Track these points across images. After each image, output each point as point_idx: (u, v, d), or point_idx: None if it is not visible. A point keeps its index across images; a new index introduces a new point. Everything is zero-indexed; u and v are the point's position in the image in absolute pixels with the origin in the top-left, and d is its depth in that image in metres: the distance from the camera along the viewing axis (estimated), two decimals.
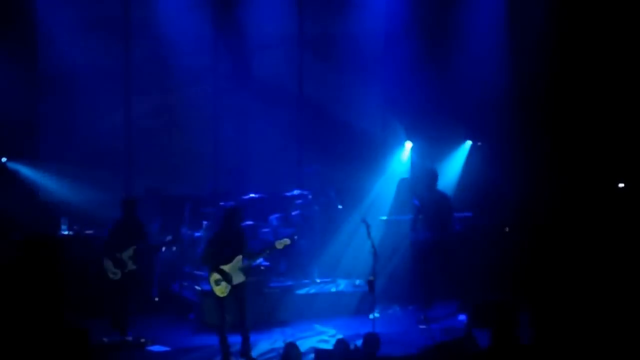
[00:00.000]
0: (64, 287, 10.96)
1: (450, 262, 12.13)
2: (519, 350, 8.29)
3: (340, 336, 10.59)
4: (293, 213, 13.43)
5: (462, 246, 12.55)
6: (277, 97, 14.22)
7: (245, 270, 10.22)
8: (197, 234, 13.52)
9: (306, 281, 12.88)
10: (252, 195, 13.36)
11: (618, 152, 13.32)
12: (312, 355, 9.77)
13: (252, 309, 11.64)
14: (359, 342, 9.60)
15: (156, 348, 10.93)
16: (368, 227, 10.83)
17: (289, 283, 12.45)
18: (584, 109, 13.73)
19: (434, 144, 14.33)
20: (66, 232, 12.78)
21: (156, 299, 12.61)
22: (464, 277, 12.34)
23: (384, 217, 13.45)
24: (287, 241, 10.40)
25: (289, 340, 10.04)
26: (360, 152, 14.12)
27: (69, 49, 13.55)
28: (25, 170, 13.60)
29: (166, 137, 13.92)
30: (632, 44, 13.40)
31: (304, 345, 10.66)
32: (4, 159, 13.44)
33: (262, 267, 12.18)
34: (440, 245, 12.02)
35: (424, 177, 12.31)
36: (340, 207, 13.55)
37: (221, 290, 10.16)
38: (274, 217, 13.40)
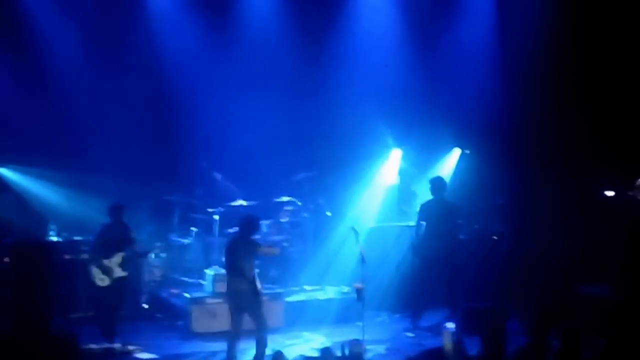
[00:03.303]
0: (52, 293, 10.89)
1: (451, 272, 12.15)
2: (505, 358, 8.32)
3: (328, 344, 10.64)
4: (282, 220, 13.46)
5: (464, 254, 12.60)
6: (267, 103, 14.21)
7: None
8: (186, 241, 13.54)
9: (295, 288, 12.90)
10: (241, 202, 13.37)
11: (609, 158, 13.36)
12: None
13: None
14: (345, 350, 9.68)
15: (144, 355, 10.90)
16: (357, 234, 10.85)
17: (279, 290, 12.44)
18: (573, 117, 13.77)
19: (423, 151, 14.35)
20: (55, 238, 12.75)
21: (145, 306, 12.62)
22: (454, 284, 12.38)
23: (373, 225, 13.48)
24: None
25: (278, 348, 10.09)
26: (349, 159, 14.11)
27: (62, 53, 13.53)
28: (13, 176, 13.57)
29: (156, 142, 13.89)
30: (621, 51, 13.48)
31: (293, 352, 10.70)
32: None
33: None
34: (444, 255, 12.05)
35: (431, 185, 12.32)
36: (329, 214, 13.58)
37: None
38: (263, 224, 13.40)
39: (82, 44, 13.63)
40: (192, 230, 13.54)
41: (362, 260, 10.63)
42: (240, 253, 10.00)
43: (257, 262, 12.53)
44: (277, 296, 12.22)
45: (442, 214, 12.11)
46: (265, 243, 11.07)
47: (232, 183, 13.74)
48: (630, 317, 10.36)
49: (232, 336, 10.10)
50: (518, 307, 11.28)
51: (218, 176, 13.86)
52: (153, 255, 12.55)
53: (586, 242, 12.85)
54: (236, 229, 10.64)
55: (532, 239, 13.53)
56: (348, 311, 12.03)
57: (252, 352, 10.12)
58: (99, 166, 13.29)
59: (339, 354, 9.54)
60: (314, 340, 11.33)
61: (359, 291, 10.57)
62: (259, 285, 10.07)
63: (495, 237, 13.13)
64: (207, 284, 12.17)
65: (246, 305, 10.00)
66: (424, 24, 14.63)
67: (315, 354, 9.92)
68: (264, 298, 10.41)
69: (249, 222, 10.18)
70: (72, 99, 13.52)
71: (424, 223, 12.17)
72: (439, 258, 12.07)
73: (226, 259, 10.24)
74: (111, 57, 13.69)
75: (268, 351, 9.85)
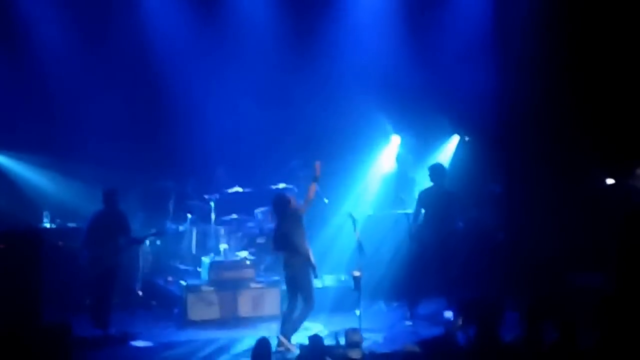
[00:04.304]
0: (45, 281, 10.78)
1: (447, 261, 12.03)
2: (500, 349, 8.23)
3: (325, 332, 10.58)
4: None
5: (462, 243, 12.48)
6: (263, 91, 14.10)
7: None
8: (181, 228, 13.44)
9: None
10: (237, 189, 13.27)
11: (608, 147, 13.29)
12: (298, 352, 9.73)
13: (238, 305, 11.68)
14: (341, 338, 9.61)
15: (139, 343, 10.82)
16: (354, 222, 10.75)
17: (275, 278, 12.34)
18: (572, 104, 13.68)
19: (421, 138, 14.25)
20: (48, 225, 12.64)
21: (140, 294, 12.52)
22: (450, 272, 12.27)
23: (370, 212, 13.37)
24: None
25: (273, 335, 10.02)
26: (346, 146, 14.01)
27: (53, 40, 13.40)
28: (6, 162, 13.45)
29: (150, 128, 13.78)
30: (619, 37, 13.40)
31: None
32: None
33: (247, 262, 12.09)
34: (440, 243, 11.94)
35: (430, 172, 12.19)
36: (326, 201, 13.46)
37: None
38: (259, 211, 13.32)
39: (72, 31, 13.50)
40: (187, 217, 13.42)
41: (360, 248, 10.55)
42: (288, 228, 10.33)
43: (252, 250, 12.62)
44: (273, 284, 12.12)
45: (440, 202, 11.97)
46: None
47: (229, 175, 13.61)
48: (624, 308, 10.27)
49: (287, 312, 10.48)
50: (515, 298, 11.17)
51: (221, 171, 13.75)
52: (147, 242, 12.42)
53: (583, 232, 12.77)
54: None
55: (528, 228, 13.45)
56: (345, 299, 11.96)
57: (248, 341, 10.05)
58: (91, 153, 13.20)
59: (340, 341, 9.53)
60: (311, 329, 11.20)
61: (356, 279, 10.49)
62: (312, 258, 10.36)
63: (494, 226, 13.03)
64: (203, 271, 12.08)
65: (297, 279, 10.34)
66: (420, 9, 14.50)
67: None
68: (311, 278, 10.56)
69: (278, 201, 10.58)
70: (63, 86, 13.40)
71: (422, 210, 12.05)
72: (436, 246, 11.95)
73: (278, 239, 10.50)
74: (102, 45, 13.57)
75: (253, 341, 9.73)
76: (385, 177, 14.12)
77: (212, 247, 12.71)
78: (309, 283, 10.42)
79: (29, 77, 13.29)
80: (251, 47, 14.12)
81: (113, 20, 13.56)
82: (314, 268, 10.44)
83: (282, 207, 10.51)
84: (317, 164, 10.59)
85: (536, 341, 8.15)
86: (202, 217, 13.33)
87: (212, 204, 12.97)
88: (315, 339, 8.87)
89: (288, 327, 10.36)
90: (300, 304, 10.43)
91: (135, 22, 13.69)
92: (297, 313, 10.41)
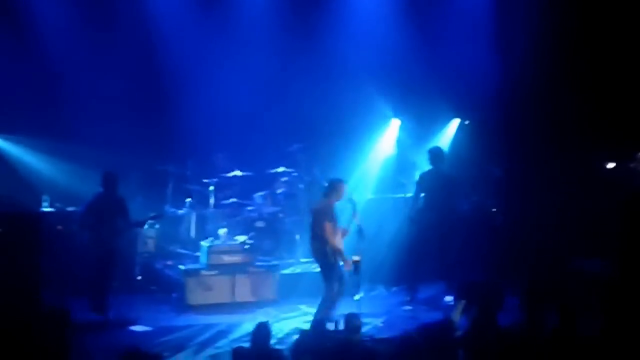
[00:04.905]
0: (44, 265, 10.73)
1: (447, 244, 11.98)
2: (499, 333, 8.21)
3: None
4: (278, 191, 13.32)
5: (462, 227, 12.44)
6: (263, 75, 14.02)
7: None
8: (180, 212, 13.41)
9: (291, 260, 12.77)
10: (236, 172, 13.22)
11: (610, 130, 13.25)
12: (297, 337, 9.71)
13: (236, 289, 11.64)
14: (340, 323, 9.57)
15: (138, 328, 10.79)
16: (354, 206, 10.70)
17: (274, 262, 12.31)
18: (574, 88, 13.63)
19: (421, 122, 14.19)
20: (48, 209, 12.58)
21: (138, 278, 12.50)
22: (450, 257, 12.24)
23: (370, 196, 13.33)
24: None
25: (272, 320, 10.00)
26: (346, 130, 13.96)
27: (54, 22, 13.32)
28: (5, 146, 13.39)
29: (150, 112, 13.72)
30: (624, 20, 13.34)
31: (288, 325, 10.62)
32: None
33: (246, 246, 12.05)
34: (439, 226, 11.88)
35: (429, 155, 12.11)
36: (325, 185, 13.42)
37: None
38: (258, 195, 13.28)
39: (74, 14, 13.43)
40: (186, 201, 13.39)
41: (360, 233, 10.50)
42: (315, 215, 10.46)
43: (251, 234, 12.57)
44: (272, 268, 12.10)
45: (439, 185, 11.91)
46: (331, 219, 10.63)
47: (229, 161, 13.57)
48: (627, 294, 10.24)
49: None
50: (515, 282, 11.15)
51: (220, 157, 13.71)
52: (146, 226, 12.38)
53: (585, 216, 12.72)
54: None
55: (529, 212, 13.41)
56: (344, 284, 11.91)
57: (247, 325, 10.02)
58: (91, 136, 13.11)
59: (340, 326, 9.49)
60: (310, 314, 11.19)
61: (355, 264, 10.45)
62: (336, 247, 10.35)
63: (494, 210, 12.96)
64: (201, 255, 12.05)
65: (319, 266, 10.49)
66: None
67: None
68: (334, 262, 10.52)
69: (328, 185, 10.67)
70: (64, 69, 13.32)
71: (422, 194, 11.99)
72: (436, 230, 11.90)
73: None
74: (103, 27, 13.51)
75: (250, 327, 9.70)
76: (385, 160, 14.07)
77: (211, 231, 12.67)
78: (328, 269, 10.44)
79: (27, 60, 13.20)
80: (252, 30, 14.06)
81: (115, 3, 13.47)
82: (334, 255, 10.41)
83: (326, 192, 10.63)
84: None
85: (536, 326, 8.12)
86: (201, 201, 13.30)
87: (211, 187, 12.93)
88: (315, 324, 8.85)
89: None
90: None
91: (137, 6, 13.62)
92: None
